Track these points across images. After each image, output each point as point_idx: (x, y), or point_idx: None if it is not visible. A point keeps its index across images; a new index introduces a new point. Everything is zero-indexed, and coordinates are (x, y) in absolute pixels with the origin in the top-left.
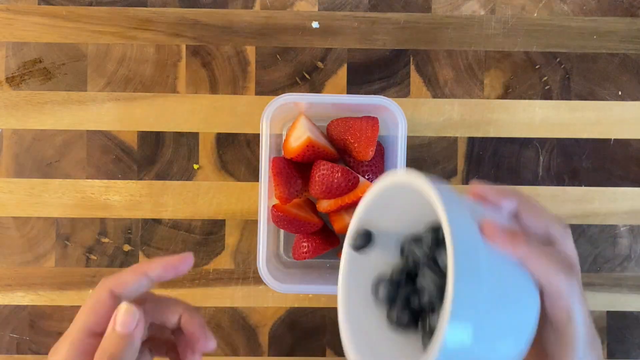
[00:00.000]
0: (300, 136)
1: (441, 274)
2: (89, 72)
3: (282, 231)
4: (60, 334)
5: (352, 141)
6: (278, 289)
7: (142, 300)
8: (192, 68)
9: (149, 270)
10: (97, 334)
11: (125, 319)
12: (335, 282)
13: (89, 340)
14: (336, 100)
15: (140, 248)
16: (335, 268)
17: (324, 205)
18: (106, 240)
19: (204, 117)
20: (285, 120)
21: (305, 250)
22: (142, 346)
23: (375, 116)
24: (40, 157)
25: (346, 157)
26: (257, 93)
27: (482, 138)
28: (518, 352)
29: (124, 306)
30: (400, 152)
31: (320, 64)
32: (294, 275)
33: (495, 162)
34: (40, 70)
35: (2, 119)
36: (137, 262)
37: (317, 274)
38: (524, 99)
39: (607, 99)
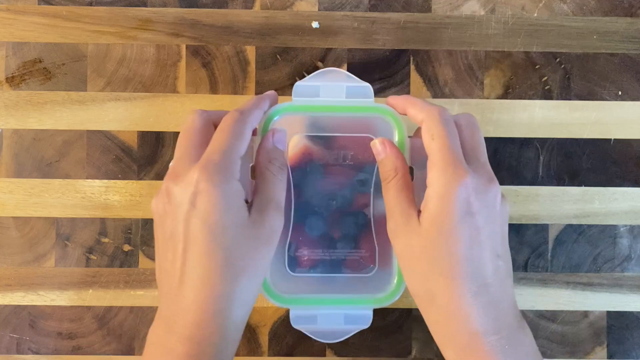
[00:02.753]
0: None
1: None
2: (89, 72)
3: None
4: (60, 334)
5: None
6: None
7: None
8: (192, 68)
9: (264, 107)
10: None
11: (280, 136)
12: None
13: (239, 162)
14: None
15: (140, 248)
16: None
17: None
18: (106, 240)
19: None
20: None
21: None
22: None
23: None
24: (40, 157)
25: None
26: (257, 93)
27: None
28: None
29: (277, 128)
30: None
31: (320, 64)
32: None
33: (495, 162)
34: (40, 70)
35: (2, 119)
36: (137, 262)
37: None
38: (524, 99)
39: (607, 99)
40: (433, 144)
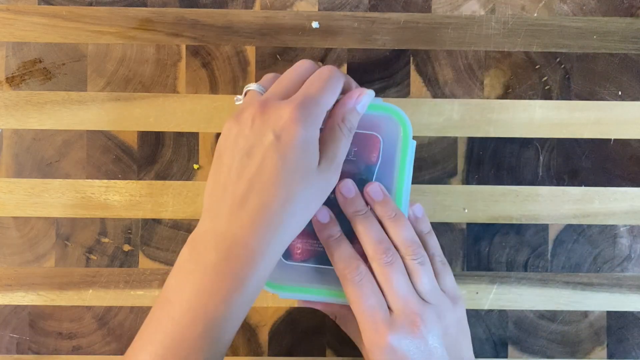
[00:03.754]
0: None
1: None
2: (89, 72)
3: None
4: (60, 334)
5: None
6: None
7: None
8: (192, 68)
9: (342, 82)
10: None
11: (363, 100)
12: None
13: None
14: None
15: (140, 248)
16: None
17: None
18: (106, 240)
19: (204, 117)
20: None
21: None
22: None
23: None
24: (40, 157)
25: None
26: None
27: (482, 138)
28: None
29: (361, 90)
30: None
31: (320, 64)
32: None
33: (495, 162)
34: (40, 70)
35: (2, 119)
36: (137, 262)
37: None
38: (524, 99)
39: (607, 99)
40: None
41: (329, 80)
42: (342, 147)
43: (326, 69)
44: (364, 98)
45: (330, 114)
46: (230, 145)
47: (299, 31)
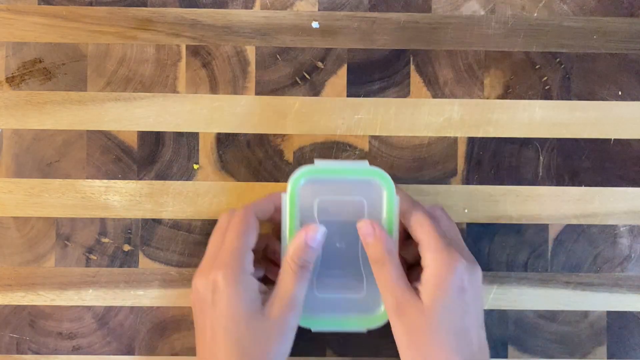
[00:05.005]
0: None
1: None
2: (89, 72)
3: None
4: (60, 334)
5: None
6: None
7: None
8: (192, 68)
9: (273, 200)
10: (251, 250)
11: (315, 236)
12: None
13: (250, 255)
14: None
15: (140, 248)
16: None
17: None
18: (106, 240)
19: (204, 117)
20: None
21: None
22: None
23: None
24: (40, 157)
25: None
26: (257, 93)
27: (482, 138)
28: None
29: (315, 227)
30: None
31: (320, 64)
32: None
33: (495, 162)
34: (40, 70)
35: (2, 119)
36: (137, 262)
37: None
38: (524, 99)
39: (607, 99)
40: (423, 231)
41: (236, 227)
42: (293, 284)
43: (234, 216)
44: (317, 235)
45: (286, 252)
46: (194, 314)
47: (299, 31)
